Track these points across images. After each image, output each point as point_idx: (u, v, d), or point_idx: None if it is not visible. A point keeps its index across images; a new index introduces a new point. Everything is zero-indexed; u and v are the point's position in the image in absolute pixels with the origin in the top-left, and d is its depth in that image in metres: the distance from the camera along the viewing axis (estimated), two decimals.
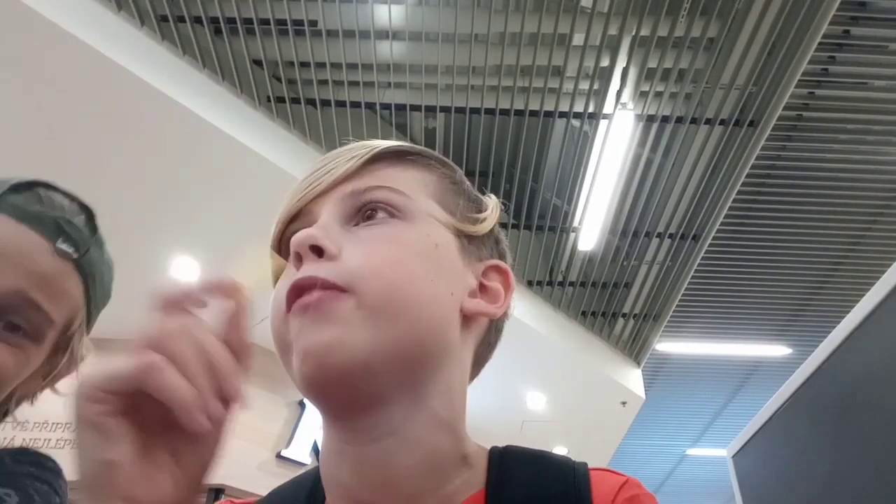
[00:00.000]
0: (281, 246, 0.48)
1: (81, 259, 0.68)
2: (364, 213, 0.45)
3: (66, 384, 0.71)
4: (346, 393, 0.40)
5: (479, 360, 0.51)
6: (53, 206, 0.66)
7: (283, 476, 4.10)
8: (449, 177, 0.52)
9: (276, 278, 0.46)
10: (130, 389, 0.33)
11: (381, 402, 0.41)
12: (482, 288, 0.48)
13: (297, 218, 0.47)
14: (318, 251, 0.41)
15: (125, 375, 0.34)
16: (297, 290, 0.40)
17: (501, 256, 0.53)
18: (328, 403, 0.42)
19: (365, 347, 0.39)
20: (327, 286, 0.40)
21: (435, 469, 0.42)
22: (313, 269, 0.41)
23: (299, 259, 0.42)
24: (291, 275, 0.42)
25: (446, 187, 0.50)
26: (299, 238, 0.41)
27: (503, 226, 0.57)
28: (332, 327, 0.39)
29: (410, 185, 0.47)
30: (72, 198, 0.71)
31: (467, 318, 0.46)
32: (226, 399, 0.34)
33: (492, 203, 0.54)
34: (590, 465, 0.45)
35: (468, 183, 0.54)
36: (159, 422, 0.34)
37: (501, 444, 0.51)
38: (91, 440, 0.33)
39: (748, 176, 3.40)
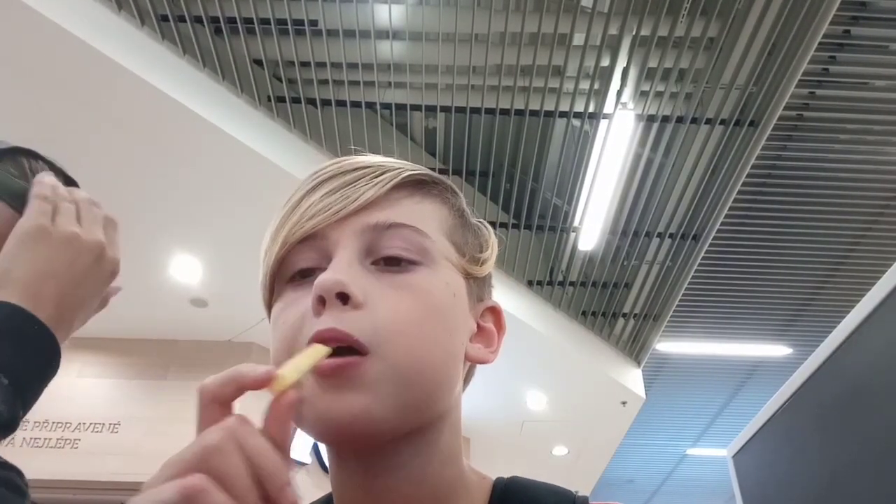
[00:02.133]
0: (283, 265, 0.44)
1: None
2: (386, 254, 0.43)
3: None
4: (360, 447, 0.41)
5: (466, 382, 0.52)
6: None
7: None
8: (458, 208, 0.51)
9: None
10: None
11: (392, 447, 0.42)
12: (479, 329, 0.49)
13: (307, 241, 0.43)
14: (343, 297, 0.39)
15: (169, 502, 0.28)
16: (321, 342, 0.38)
17: (490, 292, 0.53)
18: (339, 451, 0.44)
19: (392, 416, 0.39)
20: (351, 342, 0.38)
21: (437, 499, 0.44)
22: (338, 320, 0.39)
23: (322, 303, 0.39)
24: (307, 315, 0.40)
25: (457, 223, 0.49)
26: (327, 283, 0.39)
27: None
28: (359, 396, 0.38)
29: (429, 222, 0.46)
30: (57, 170, 0.67)
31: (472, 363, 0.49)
32: None
33: (492, 239, 0.53)
34: (593, 501, 0.45)
35: (468, 210, 0.53)
36: None
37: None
38: None
39: (749, 176, 3.40)
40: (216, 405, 0.32)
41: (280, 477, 0.30)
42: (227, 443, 0.30)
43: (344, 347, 0.38)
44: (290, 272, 0.44)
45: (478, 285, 0.50)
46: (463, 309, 0.46)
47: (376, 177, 0.45)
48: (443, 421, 0.45)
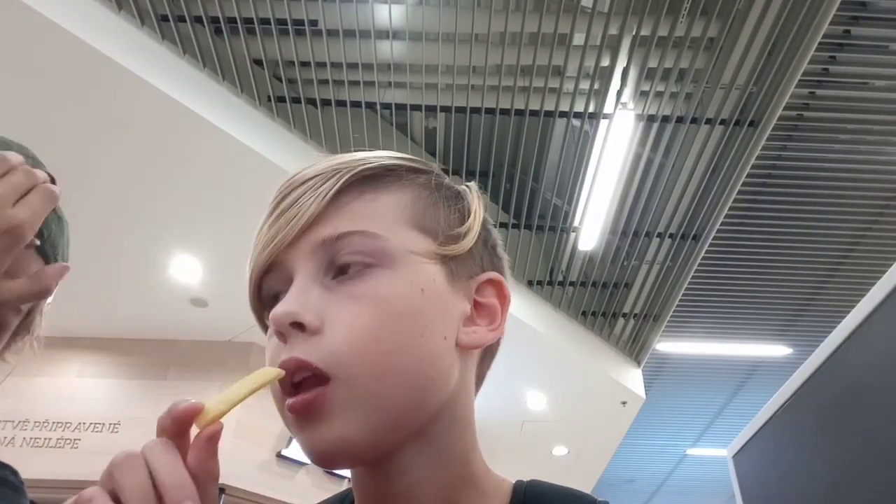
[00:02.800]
0: (261, 296, 0.45)
1: (45, 244, 0.61)
2: (340, 263, 0.41)
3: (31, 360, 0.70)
4: (354, 466, 0.44)
5: (482, 374, 0.50)
6: None
7: (283, 476, 4.12)
8: (425, 185, 0.47)
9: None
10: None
11: (391, 455, 0.42)
12: (478, 307, 0.45)
13: (270, 270, 0.43)
14: (298, 326, 0.39)
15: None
16: (288, 373, 0.39)
17: (494, 258, 0.49)
18: (339, 469, 0.44)
19: (367, 437, 0.38)
20: (311, 370, 0.38)
21: (448, 500, 0.43)
22: (298, 348, 0.39)
23: (283, 337, 0.40)
24: (277, 349, 0.41)
25: (424, 203, 0.46)
26: (278, 316, 0.39)
27: (503, 225, 0.56)
28: (330, 426, 0.38)
29: (385, 218, 0.43)
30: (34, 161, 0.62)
31: (473, 348, 0.46)
32: None
33: (474, 204, 0.48)
34: None
35: (445, 179, 0.49)
36: None
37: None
38: None
39: (749, 176, 3.40)
40: (166, 439, 0.32)
41: (179, 492, 0.30)
42: (130, 460, 0.31)
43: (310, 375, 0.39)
44: (267, 297, 0.45)
45: (464, 263, 0.45)
46: (440, 300, 0.43)
47: (318, 188, 0.43)
48: (440, 420, 0.43)
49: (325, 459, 0.39)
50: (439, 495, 0.43)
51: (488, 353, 0.49)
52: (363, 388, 0.38)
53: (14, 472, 0.62)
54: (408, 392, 0.40)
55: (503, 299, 0.47)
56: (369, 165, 0.46)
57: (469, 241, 0.46)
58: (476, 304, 0.46)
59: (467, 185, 0.51)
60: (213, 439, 0.33)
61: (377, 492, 0.44)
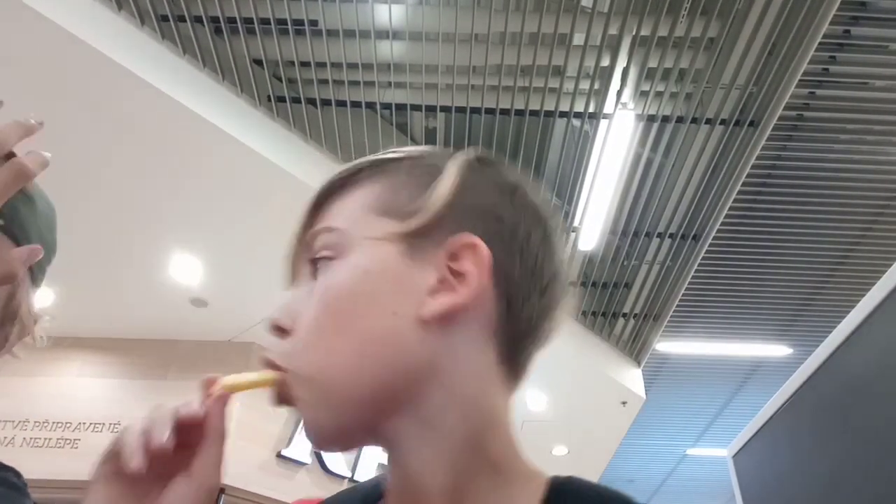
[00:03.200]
0: None
1: (9, 225, 0.58)
2: (315, 265, 0.45)
3: (22, 347, 0.67)
4: (346, 446, 0.44)
5: (513, 356, 0.44)
6: None
7: (283, 476, 4.13)
8: (400, 171, 0.47)
9: None
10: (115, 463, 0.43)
11: (392, 440, 0.42)
12: (455, 275, 0.42)
13: (293, 279, 0.49)
14: (279, 329, 0.44)
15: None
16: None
17: (479, 220, 0.44)
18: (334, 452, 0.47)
19: (332, 419, 0.41)
20: (276, 367, 0.42)
21: (459, 487, 0.41)
22: (271, 349, 0.43)
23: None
24: None
25: (394, 187, 0.46)
26: (269, 323, 0.45)
27: None
28: (304, 414, 0.41)
29: (351, 211, 0.45)
30: None
31: (446, 318, 0.42)
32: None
33: (448, 171, 0.45)
34: None
35: (433, 159, 0.47)
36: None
37: None
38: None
39: (749, 176, 3.40)
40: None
41: (156, 425, 0.40)
42: (134, 423, 0.42)
43: None
44: None
45: (430, 234, 0.43)
46: (391, 277, 0.42)
47: (307, 203, 0.48)
48: (431, 399, 0.41)
49: (313, 443, 0.43)
50: (450, 482, 0.40)
51: (501, 320, 0.43)
52: (310, 376, 0.41)
53: (18, 475, 0.62)
54: (354, 373, 0.40)
55: (478, 263, 0.42)
56: (350, 167, 0.48)
57: (431, 209, 0.44)
58: (453, 273, 0.43)
59: (461, 154, 0.48)
60: (220, 400, 0.41)
61: (396, 478, 0.44)
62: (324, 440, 0.42)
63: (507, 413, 0.44)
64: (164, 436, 0.39)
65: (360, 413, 0.41)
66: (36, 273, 0.66)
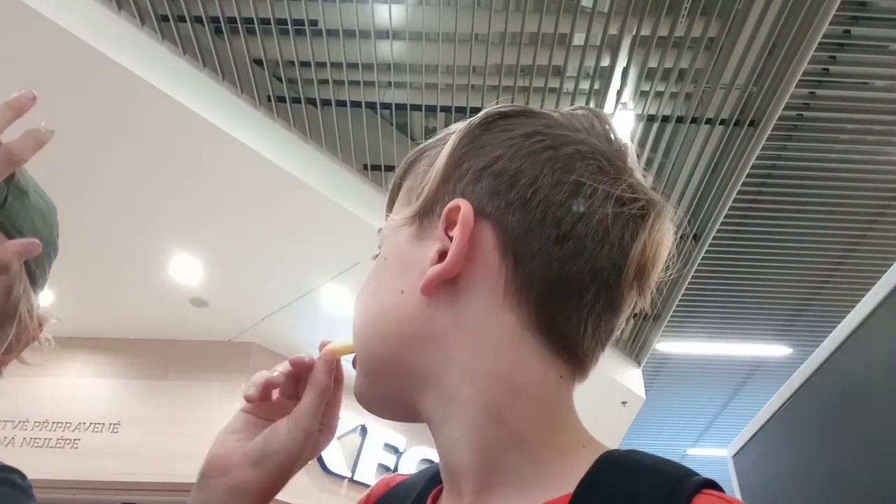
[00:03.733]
0: None
1: None
2: None
3: (34, 354, 0.65)
4: (384, 413, 0.48)
5: (539, 298, 0.40)
6: None
7: None
8: (426, 156, 0.48)
9: None
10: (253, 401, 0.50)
11: (422, 413, 0.44)
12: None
13: None
14: None
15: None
16: None
17: (470, 182, 0.42)
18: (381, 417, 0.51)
19: (364, 387, 0.47)
20: None
21: (487, 463, 0.39)
22: None
23: None
24: None
25: (416, 172, 0.47)
26: None
27: None
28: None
29: (399, 207, 0.48)
30: None
31: (451, 282, 0.40)
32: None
33: (454, 137, 0.45)
34: (708, 486, 0.35)
35: (452, 131, 0.46)
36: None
37: None
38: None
39: (749, 176, 3.40)
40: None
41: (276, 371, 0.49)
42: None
43: None
44: None
45: (432, 208, 0.43)
46: (400, 259, 0.44)
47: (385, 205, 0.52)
48: (446, 373, 0.40)
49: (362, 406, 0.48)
50: (477, 458, 0.39)
51: (525, 293, 0.40)
52: (357, 351, 0.47)
53: (23, 476, 0.62)
54: (368, 347, 0.45)
55: (461, 225, 0.40)
56: (396, 177, 0.51)
57: (431, 183, 0.44)
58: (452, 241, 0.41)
59: (471, 119, 0.48)
60: (325, 358, 0.48)
61: (440, 455, 0.44)
62: (364, 404, 0.47)
63: (542, 384, 0.41)
64: (276, 375, 0.48)
65: (385, 384, 0.45)
66: (36, 272, 0.63)
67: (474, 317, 0.40)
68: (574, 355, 0.42)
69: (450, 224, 0.41)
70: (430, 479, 0.49)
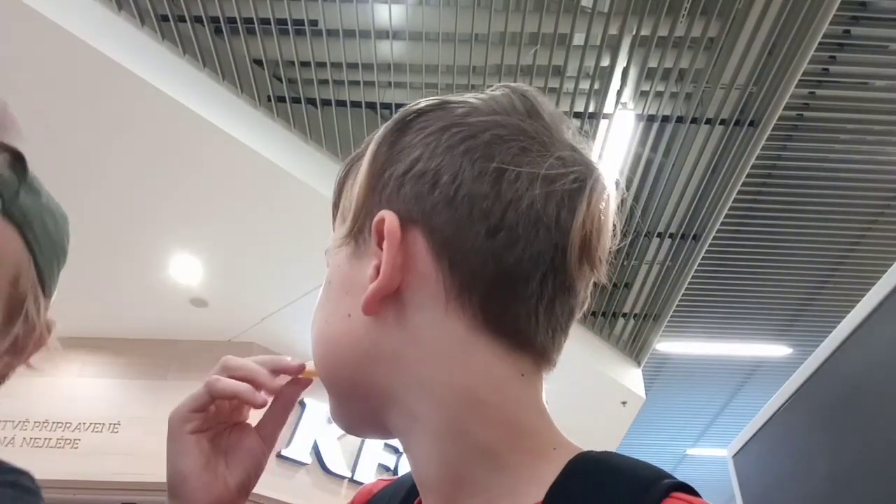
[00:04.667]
0: None
1: (8, 207, 0.56)
2: None
3: (40, 359, 0.64)
4: (358, 432, 0.47)
5: (483, 296, 0.38)
6: None
7: (283, 476, 4.11)
8: (354, 169, 0.45)
9: None
10: (206, 403, 0.47)
11: (391, 430, 0.43)
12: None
13: None
14: None
15: (198, 393, 0.47)
16: None
17: (395, 189, 0.40)
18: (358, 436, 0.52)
19: (334, 408, 0.46)
20: None
21: (455, 477, 0.38)
22: None
23: None
24: None
25: (349, 188, 0.45)
26: None
27: None
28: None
29: (337, 227, 0.46)
30: None
31: (393, 297, 0.39)
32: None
33: (372, 146, 0.43)
34: (679, 489, 0.34)
35: (375, 141, 0.44)
36: (223, 446, 0.49)
37: None
38: (173, 453, 0.46)
39: (749, 176, 3.40)
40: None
41: (265, 374, 0.49)
42: (233, 361, 0.49)
43: None
44: None
45: (365, 224, 0.41)
46: (342, 281, 0.43)
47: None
48: (405, 392, 0.39)
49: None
50: (445, 469, 0.38)
51: (467, 294, 0.38)
52: (320, 377, 0.46)
53: (32, 479, 0.62)
54: (329, 373, 0.44)
55: (389, 236, 0.38)
56: (337, 176, 0.49)
57: (357, 198, 0.42)
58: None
59: (385, 125, 0.46)
60: (300, 382, 0.51)
61: (411, 468, 0.43)
62: (339, 425, 0.47)
63: (503, 387, 0.38)
64: (247, 390, 0.48)
65: (352, 405, 0.44)
66: (44, 271, 0.62)
67: (422, 328, 0.39)
68: (532, 348, 0.40)
69: (380, 238, 0.39)
70: (413, 487, 0.47)
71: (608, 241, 0.43)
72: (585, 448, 0.41)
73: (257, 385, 0.48)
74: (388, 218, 0.39)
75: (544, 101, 0.44)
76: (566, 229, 0.39)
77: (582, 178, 0.40)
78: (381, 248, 0.39)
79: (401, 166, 0.41)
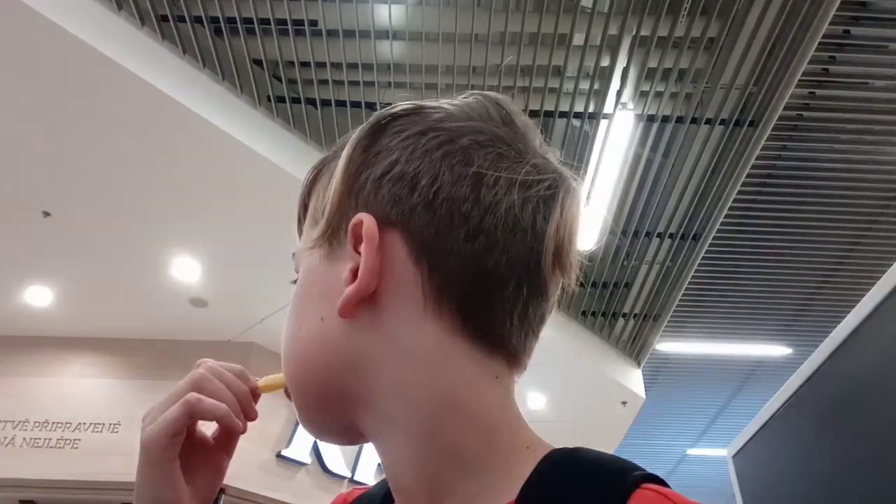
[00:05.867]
0: None
1: None
2: None
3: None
4: (331, 439, 0.47)
5: (461, 300, 0.38)
6: None
7: (283, 476, 4.12)
8: (326, 171, 0.45)
9: None
10: (185, 426, 0.44)
11: (364, 434, 0.42)
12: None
13: None
14: None
15: (178, 416, 0.44)
16: None
17: (373, 190, 0.40)
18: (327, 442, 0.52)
19: (305, 415, 0.45)
20: None
21: (432, 479, 0.38)
22: None
23: None
24: None
25: (319, 190, 0.45)
26: None
27: None
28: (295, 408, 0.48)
29: (307, 229, 0.45)
30: None
31: (369, 300, 0.39)
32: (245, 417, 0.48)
33: (347, 149, 0.42)
34: (650, 481, 0.34)
35: (345, 141, 0.44)
36: (186, 459, 0.46)
37: None
38: (156, 482, 0.44)
39: (748, 176, 3.40)
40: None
41: (244, 389, 0.48)
42: (210, 373, 0.48)
43: None
44: None
45: (340, 226, 0.41)
46: (315, 284, 0.43)
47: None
48: (378, 395, 0.39)
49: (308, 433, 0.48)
50: (420, 472, 0.39)
51: (446, 297, 0.38)
52: (288, 384, 0.45)
53: None
54: (302, 378, 0.43)
55: (368, 238, 0.38)
56: (306, 180, 0.48)
57: (331, 200, 0.41)
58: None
59: (360, 127, 0.45)
60: (255, 393, 0.50)
61: (386, 472, 0.43)
62: (310, 431, 0.46)
63: (476, 390, 0.39)
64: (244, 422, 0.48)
65: (325, 411, 0.43)
66: None
67: (399, 332, 0.39)
68: (506, 350, 0.41)
69: (357, 240, 0.39)
70: (388, 494, 0.47)
71: (578, 247, 0.43)
72: (588, 447, 0.41)
73: (238, 410, 0.46)
74: (367, 220, 0.39)
75: (517, 109, 0.44)
76: (542, 235, 0.40)
77: (555, 185, 0.41)
78: (358, 252, 0.39)
79: (378, 168, 0.41)
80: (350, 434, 0.43)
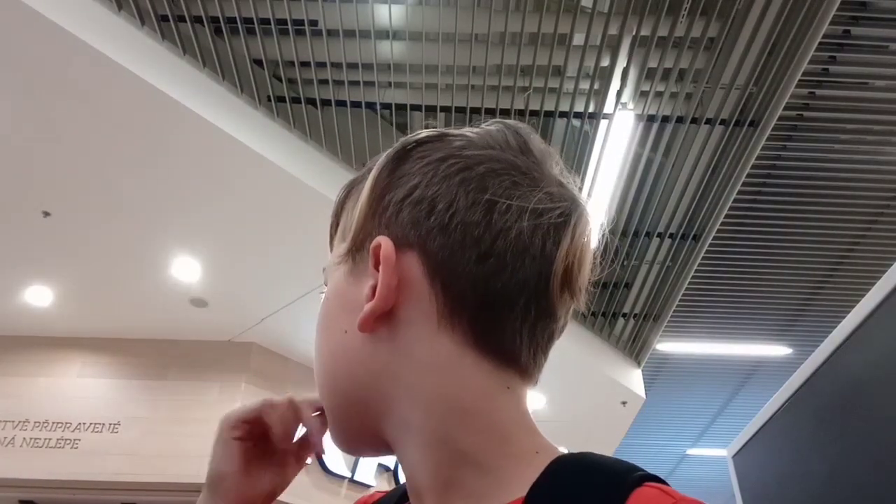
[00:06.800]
0: None
1: None
2: None
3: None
4: (357, 451, 0.50)
5: (473, 316, 0.41)
6: None
7: None
8: (355, 191, 0.48)
9: None
10: (253, 417, 0.50)
11: (386, 443, 0.45)
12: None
13: None
14: None
15: (251, 407, 0.50)
16: None
17: (394, 214, 0.43)
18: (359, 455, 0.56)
19: (334, 427, 0.48)
20: None
21: (445, 484, 0.40)
22: None
23: None
24: None
25: (349, 207, 0.48)
26: None
27: None
28: None
29: (336, 244, 0.48)
30: None
31: (387, 315, 0.42)
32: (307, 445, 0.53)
33: (373, 171, 0.45)
34: (651, 480, 0.36)
35: (377, 167, 0.46)
36: (260, 454, 0.52)
37: None
38: (218, 454, 0.50)
39: (748, 176, 3.40)
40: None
41: (318, 431, 0.50)
42: (283, 401, 0.51)
43: None
44: None
45: (363, 244, 0.44)
46: (339, 298, 0.46)
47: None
48: (397, 403, 0.42)
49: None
50: (436, 475, 0.41)
51: (459, 313, 0.41)
52: (319, 395, 0.48)
53: None
54: (328, 389, 0.46)
55: (385, 261, 0.41)
56: (333, 211, 0.51)
57: (357, 220, 0.45)
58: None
59: (389, 150, 0.47)
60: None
61: (405, 477, 0.46)
62: (343, 447, 0.48)
63: (488, 398, 0.41)
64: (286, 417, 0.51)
65: (350, 422, 0.46)
66: None
67: (414, 345, 0.42)
68: (517, 364, 0.43)
69: (377, 261, 0.42)
70: (402, 496, 0.50)
71: (588, 272, 0.46)
72: (585, 448, 0.43)
73: (305, 441, 0.53)
74: (385, 244, 0.42)
75: (536, 137, 0.47)
76: (550, 259, 0.42)
77: (567, 212, 0.44)
78: (378, 270, 0.42)
79: (400, 192, 0.44)
80: (379, 445, 0.45)
